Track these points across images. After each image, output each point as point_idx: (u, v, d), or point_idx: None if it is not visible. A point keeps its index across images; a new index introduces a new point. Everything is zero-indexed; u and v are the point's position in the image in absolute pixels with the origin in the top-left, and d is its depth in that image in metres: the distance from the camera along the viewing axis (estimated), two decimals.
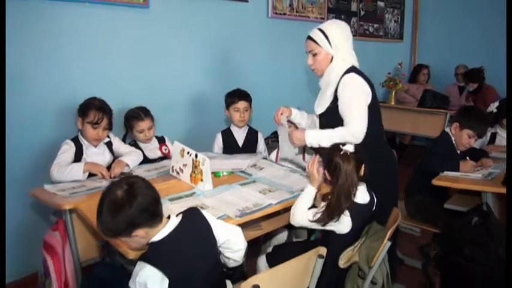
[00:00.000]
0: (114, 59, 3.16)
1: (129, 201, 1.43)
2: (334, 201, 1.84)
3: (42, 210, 2.86)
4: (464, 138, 2.79)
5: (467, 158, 2.74)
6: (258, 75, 4.26)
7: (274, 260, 1.94)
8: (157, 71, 3.44)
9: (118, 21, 3.15)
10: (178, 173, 2.40)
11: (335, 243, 1.86)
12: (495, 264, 2.16)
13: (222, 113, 3.16)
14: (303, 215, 1.90)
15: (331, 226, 1.86)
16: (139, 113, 2.81)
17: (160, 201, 1.52)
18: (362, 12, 5.53)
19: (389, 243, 1.84)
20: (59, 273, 2.11)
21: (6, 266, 2.84)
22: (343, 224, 1.85)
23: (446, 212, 2.69)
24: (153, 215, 1.49)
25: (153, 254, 1.48)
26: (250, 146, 3.05)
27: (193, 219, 1.60)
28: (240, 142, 3.07)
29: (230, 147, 3.03)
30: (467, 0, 6.06)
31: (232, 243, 1.67)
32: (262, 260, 2.12)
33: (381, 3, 5.87)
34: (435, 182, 2.53)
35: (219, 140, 3.06)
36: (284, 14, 4.47)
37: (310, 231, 2.55)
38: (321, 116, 2.42)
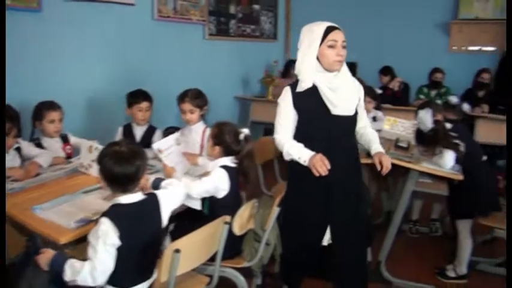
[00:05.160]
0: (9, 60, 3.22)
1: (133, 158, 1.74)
2: None
3: None
4: None
5: None
6: (146, 74, 4.46)
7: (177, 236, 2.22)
8: (51, 71, 3.57)
9: (13, 24, 3.19)
10: (87, 168, 2.60)
11: (222, 212, 2.13)
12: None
13: (116, 110, 3.36)
14: (197, 186, 2.21)
15: (216, 183, 2.25)
16: (52, 102, 2.89)
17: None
18: (240, 15, 5.96)
19: (278, 209, 2.27)
20: None
21: None
22: (221, 179, 2.25)
23: None
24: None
25: (113, 212, 1.73)
26: (147, 142, 3.22)
27: (150, 200, 1.85)
28: (138, 138, 3.29)
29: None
30: (334, 3, 6.67)
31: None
32: (167, 240, 2.39)
33: (257, 6, 6.35)
34: None
35: (119, 134, 3.28)
36: (168, 16, 4.74)
37: None
38: (346, 119, 2.29)
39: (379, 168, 2.26)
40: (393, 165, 2.32)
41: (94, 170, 2.53)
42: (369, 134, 2.43)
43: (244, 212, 2.20)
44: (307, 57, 2.23)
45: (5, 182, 2.11)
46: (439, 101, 4.79)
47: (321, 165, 2.10)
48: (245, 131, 2.31)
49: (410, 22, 6.31)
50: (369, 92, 3.54)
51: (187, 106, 3.02)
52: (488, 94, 5.22)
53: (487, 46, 6.13)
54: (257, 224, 2.28)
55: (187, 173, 2.51)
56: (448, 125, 2.91)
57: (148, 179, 2.07)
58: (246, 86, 6.25)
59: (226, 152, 2.33)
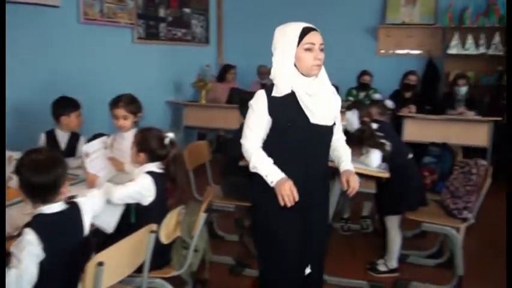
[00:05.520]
0: None
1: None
2: None
3: None
4: None
5: None
6: (72, 79, 4.31)
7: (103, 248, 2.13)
8: None
9: None
10: (7, 180, 2.44)
11: (149, 220, 2.04)
12: None
13: (41, 118, 3.26)
14: (119, 190, 2.14)
15: (140, 189, 2.19)
16: None
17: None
18: (170, 18, 5.88)
19: (205, 215, 2.24)
20: None
21: None
22: (146, 185, 2.20)
23: None
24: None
25: (37, 223, 1.66)
26: (73, 148, 3.19)
27: (72, 209, 1.79)
28: (63, 145, 3.19)
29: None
30: (266, 7, 6.78)
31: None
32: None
33: (187, 10, 6.30)
34: (242, 162, 2.96)
35: (42, 140, 3.16)
36: (95, 19, 4.59)
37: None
38: (324, 129, 2.10)
39: (345, 188, 2.13)
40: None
41: (14, 182, 2.38)
42: (341, 149, 2.28)
43: (171, 219, 2.14)
44: (282, 62, 2.04)
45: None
46: (367, 102, 4.94)
47: (289, 195, 1.93)
48: (170, 135, 2.26)
49: (339, 26, 6.46)
50: None
51: (120, 112, 2.85)
52: (415, 95, 5.45)
53: (413, 50, 6.47)
54: (184, 231, 2.22)
55: (113, 180, 2.42)
56: (375, 125, 2.99)
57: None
58: (178, 90, 6.17)
59: (152, 158, 2.27)
